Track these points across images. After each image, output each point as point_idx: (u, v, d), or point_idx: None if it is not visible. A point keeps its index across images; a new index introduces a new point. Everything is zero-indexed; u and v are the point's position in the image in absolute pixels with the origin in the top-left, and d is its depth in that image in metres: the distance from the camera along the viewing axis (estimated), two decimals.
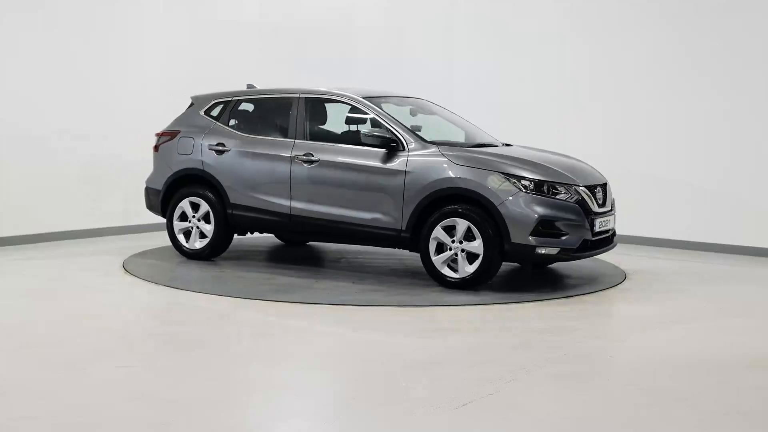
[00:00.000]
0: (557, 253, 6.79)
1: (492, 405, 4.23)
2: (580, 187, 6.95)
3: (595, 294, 7.06)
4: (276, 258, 8.53)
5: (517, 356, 5.14)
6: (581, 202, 6.90)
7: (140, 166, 9.96)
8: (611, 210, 7.36)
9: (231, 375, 4.69)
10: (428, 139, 7.20)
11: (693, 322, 6.24)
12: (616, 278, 7.69)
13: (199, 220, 8.00)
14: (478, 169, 6.81)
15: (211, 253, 7.96)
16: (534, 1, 10.51)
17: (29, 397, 4.23)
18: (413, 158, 7.03)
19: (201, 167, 7.96)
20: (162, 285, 6.99)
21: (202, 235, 8.00)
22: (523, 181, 6.76)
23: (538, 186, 6.78)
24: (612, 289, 7.27)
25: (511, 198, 6.71)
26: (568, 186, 6.89)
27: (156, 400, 4.24)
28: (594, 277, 7.76)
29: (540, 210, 6.71)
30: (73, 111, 9.33)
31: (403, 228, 7.01)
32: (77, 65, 9.37)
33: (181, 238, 8.13)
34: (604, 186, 7.35)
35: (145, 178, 8.59)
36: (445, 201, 6.90)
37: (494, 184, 6.76)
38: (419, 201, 6.92)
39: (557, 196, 6.80)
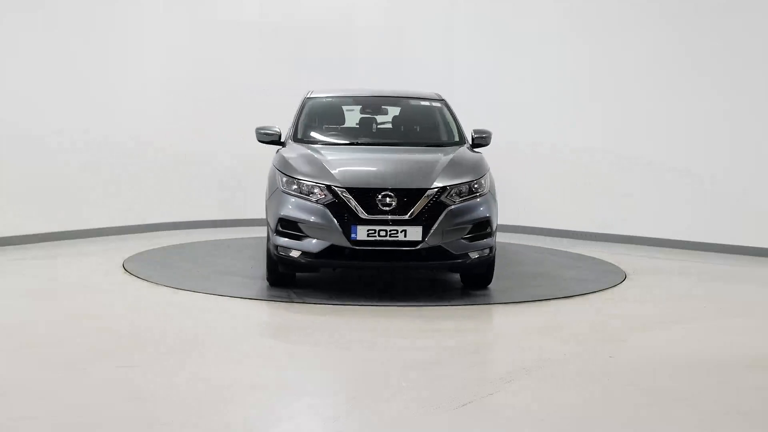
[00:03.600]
0: (299, 256, 6.47)
1: (492, 405, 4.23)
2: (341, 189, 6.41)
3: (595, 294, 7.05)
4: None
5: (517, 356, 5.14)
6: (333, 205, 6.40)
7: (140, 166, 9.98)
8: (413, 219, 6.35)
9: (231, 375, 4.69)
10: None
11: (693, 322, 6.24)
12: (616, 278, 7.69)
13: None
14: None
15: None
16: (534, 1, 10.51)
17: (29, 397, 4.23)
18: None
19: None
20: (162, 285, 6.98)
21: None
22: (283, 178, 6.67)
23: (289, 184, 6.61)
24: (612, 289, 7.26)
25: (273, 193, 6.73)
26: (323, 186, 6.45)
27: (156, 400, 4.24)
28: (594, 277, 7.76)
29: (280, 209, 6.54)
30: (73, 111, 9.32)
31: None
32: (77, 65, 9.36)
33: None
34: (409, 192, 6.42)
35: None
36: None
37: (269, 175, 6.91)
38: None
39: (309, 196, 6.49)
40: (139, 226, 9.97)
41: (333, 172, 6.55)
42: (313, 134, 7.58)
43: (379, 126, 8.05)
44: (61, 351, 5.06)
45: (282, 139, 7.40)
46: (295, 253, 6.49)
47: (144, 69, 10.02)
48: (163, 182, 10.23)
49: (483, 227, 6.59)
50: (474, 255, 6.56)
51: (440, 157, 6.92)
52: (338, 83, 9.93)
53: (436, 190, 6.45)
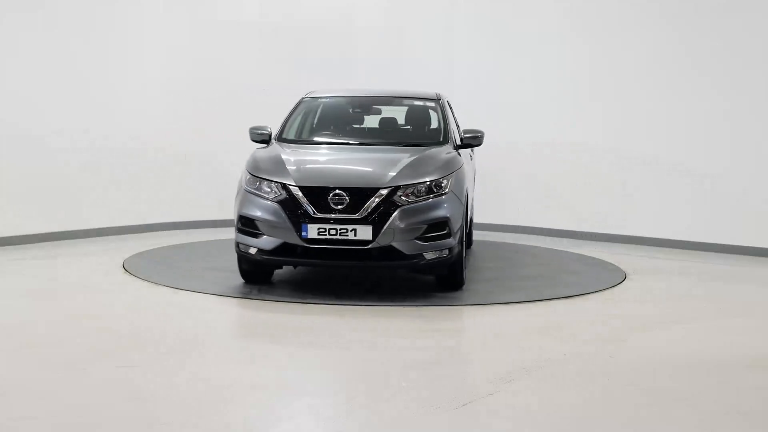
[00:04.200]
0: (255, 253, 6.57)
1: (492, 405, 4.23)
2: (294, 187, 6.45)
3: (595, 294, 7.05)
4: None
5: (517, 356, 5.14)
6: (286, 203, 6.45)
7: (140, 166, 9.98)
8: (363, 218, 6.32)
9: (231, 375, 4.69)
10: None
11: (693, 322, 6.24)
12: (616, 278, 7.69)
13: None
14: None
15: None
16: (534, 1, 10.51)
17: (29, 397, 4.23)
18: None
19: None
20: (162, 285, 6.98)
21: None
22: (247, 177, 6.77)
23: (251, 182, 6.71)
24: (612, 289, 7.26)
25: (238, 191, 6.82)
26: (279, 185, 6.51)
27: (156, 400, 4.24)
28: (594, 277, 7.76)
29: (241, 207, 6.66)
30: (73, 111, 9.32)
31: None
32: (77, 65, 9.36)
33: None
34: (360, 191, 6.39)
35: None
36: None
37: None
38: None
39: (267, 194, 6.55)
40: (139, 226, 9.97)
41: (289, 170, 6.60)
42: (298, 134, 7.69)
43: (364, 126, 8.07)
44: (61, 351, 5.06)
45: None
46: (252, 250, 6.58)
47: (144, 69, 10.02)
48: (163, 182, 10.23)
49: (440, 228, 6.46)
50: (430, 256, 6.44)
51: (404, 156, 6.86)
52: (338, 83, 9.93)
53: (388, 189, 6.40)
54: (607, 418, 4.13)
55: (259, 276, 6.98)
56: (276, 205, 6.45)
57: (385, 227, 6.31)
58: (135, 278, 7.27)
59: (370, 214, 6.33)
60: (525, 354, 5.20)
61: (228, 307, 6.33)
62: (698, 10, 9.37)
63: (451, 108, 8.62)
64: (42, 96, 9.06)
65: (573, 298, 6.88)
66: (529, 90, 10.43)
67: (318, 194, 6.40)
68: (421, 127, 7.83)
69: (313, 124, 7.93)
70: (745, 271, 8.37)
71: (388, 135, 7.77)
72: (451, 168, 6.81)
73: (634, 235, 9.85)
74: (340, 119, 8.09)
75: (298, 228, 6.34)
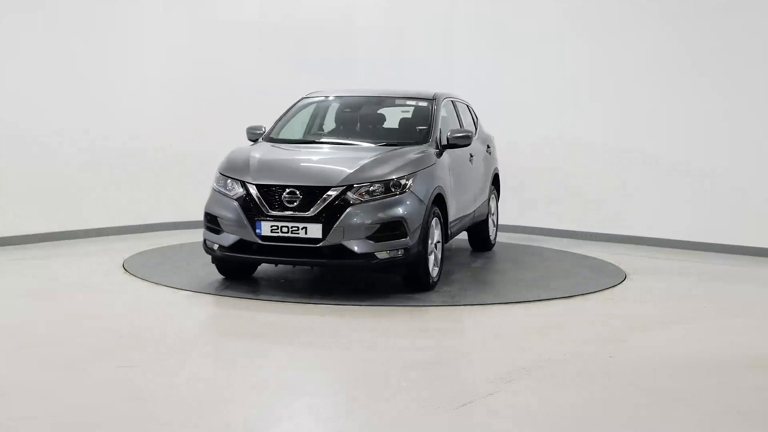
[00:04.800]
0: (217, 249, 6.73)
1: (492, 405, 4.23)
2: (252, 185, 6.55)
3: (595, 294, 7.05)
4: None
5: (517, 356, 5.14)
6: (243, 199, 6.54)
7: (140, 166, 9.98)
8: (314, 217, 6.36)
9: (230, 375, 4.69)
10: None
11: (693, 322, 6.24)
12: (616, 278, 7.69)
13: None
14: None
15: None
16: (534, 1, 10.51)
17: (29, 397, 4.23)
18: None
19: None
20: (162, 285, 6.98)
21: None
22: (217, 175, 6.96)
23: (218, 180, 6.88)
24: (612, 289, 7.26)
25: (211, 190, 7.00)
26: (239, 182, 6.64)
27: (156, 400, 4.25)
28: (594, 277, 7.76)
29: (207, 205, 6.87)
30: (73, 111, 9.32)
31: None
32: (77, 65, 9.36)
33: None
34: (313, 189, 6.43)
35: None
36: None
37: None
38: None
39: (229, 192, 6.68)
40: (139, 226, 9.97)
41: (250, 168, 6.71)
42: (284, 134, 7.79)
43: (350, 126, 8.08)
44: (61, 351, 5.06)
45: None
46: (215, 247, 6.74)
47: (144, 69, 10.02)
48: (163, 182, 10.23)
49: (395, 227, 6.42)
50: (382, 255, 6.40)
51: (366, 155, 6.87)
52: (338, 83, 9.92)
53: (341, 188, 6.40)
54: (607, 418, 4.13)
55: (235, 272, 7.14)
56: (235, 203, 6.56)
57: (335, 226, 6.33)
58: (135, 278, 7.27)
59: (321, 212, 6.36)
60: (525, 354, 5.20)
61: (228, 307, 6.33)
62: (698, 10, 9.37)
63: (470, 109, 8.85)
64: (42, 96, 9.06)
65: (573, 298, 6.88)
66: (529, 90, 10.42)
67: (272, 192, 6.48)
68: (411, 127, 7.79)
69: (302, 123, 8.04)
70: (745, 271, 8.37)
71: (372, 135, 7.77)
72: (415, 167, 6.73)
73: (634, 235, 9.85)
74: (329, 119, 8.18)
75: (254, 225, 6.44)
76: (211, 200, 6.85)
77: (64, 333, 5.51)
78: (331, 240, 6.34)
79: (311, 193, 6.41)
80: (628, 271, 8.04)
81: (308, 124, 8.08)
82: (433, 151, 7.18)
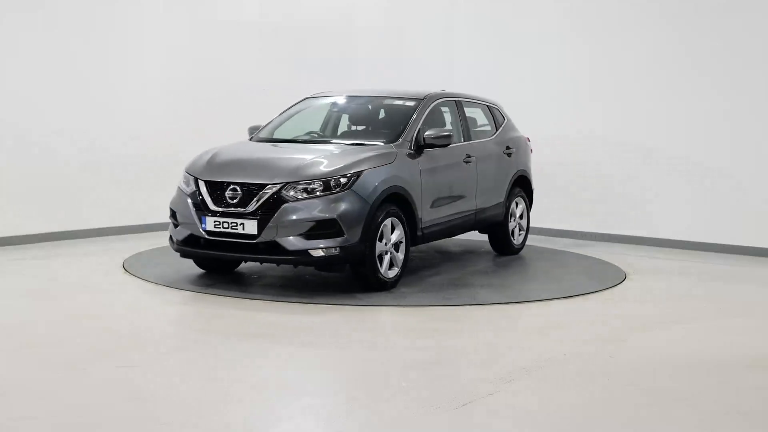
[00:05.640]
0: (174, 242, 6.99)
1: (492, 405, 4.23)
2: (201, 181, 6.75)
3: (595, 294, 7.05)
4: None
5: (517, 356, 5.14)
6: (194, 195, 6.74)
7: (140, 166, 9.98)
8: (251, 213, 6.46)
9: (230, 375, 4.69)
10: None
11: (693, 322, 6.24)
12: (616, 278, 7.69)
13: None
14: None
15: None
16: (534, 1, 10.51)
17: (29, 397, 4.23)
18: None
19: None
20: (162, 285, 6.98)
21: None
22: (183, 173, 7.11)
23: (183, 177, 7.07)
24: (612, 289, 7.26)
25: None
26: (193, 179, 6.86)
27: (156, 400, 4.25)
28: (594, 277, 7.76)
29: (171, 200, 7.11)
30: (73, 111, 9.32)
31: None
32: (77, 65, 9.36)
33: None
34: (252, 187, 6.53)
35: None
36: None
37: None
38: None
39: (186, 187, 6.92)
40: (139, 226, 9.97)
41: (204, 165, 6.93)
42: (270, 133, 7.91)
43: (330, 126, 8.16)
44: (61, 351, 5.06)
45: None
46: (174, 240, 7.00)
47: (144, 69, 10.01)
48: (163, 182, 10.19)
49: (329, 226, 6.43)
50: (317, 253, 6.43)
51: (315, 154, 6.94)
52: (338, 83, 9.93)
53: (278, 185, 6.48)
54: (607, 418, 4.13)
55: (215, 268, 7.39)
56: (188, 199, 6.79)
57: (269, 223, 6.43)
58: (135, 278, 7.27)
59: (258, 209, 6.48)
60: (525, 354, 5.20)
61: (228, 307, 6.33)
62: (698, 10, 9.37)
63: (491, 110, 8.85)
64: (42, 96, 9.06)
65: (573, 298, 6.88)
66: (529, 90, 10.42)
67: (217, 188, 6.67)
68: (384, 127, 7.75)
69: (295, 123, 8.10)
70: (745, 271, 8.37)
71: (350, 134, 7.88)
72: (362, 166, 6.70)
73: (634, 235, 9.85)
74: (315, 119, 8.23)
75: (201, 221, 6.66)
76: (174, 196, 7.11)
77: (64, 333, 5.51)
78: (266, 236, 6.45)
79: (250, 190, 6.55)
80: (628, 271, 8.04)
81: (294, 123, 8.16)
82: (399, 150, 7.11)
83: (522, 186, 9.00)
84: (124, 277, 7.33)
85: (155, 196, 10.14)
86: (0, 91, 8.75)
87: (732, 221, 9.23)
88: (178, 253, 7.11)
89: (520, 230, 8.98)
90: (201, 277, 7.30)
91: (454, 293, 6.86)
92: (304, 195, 6.48)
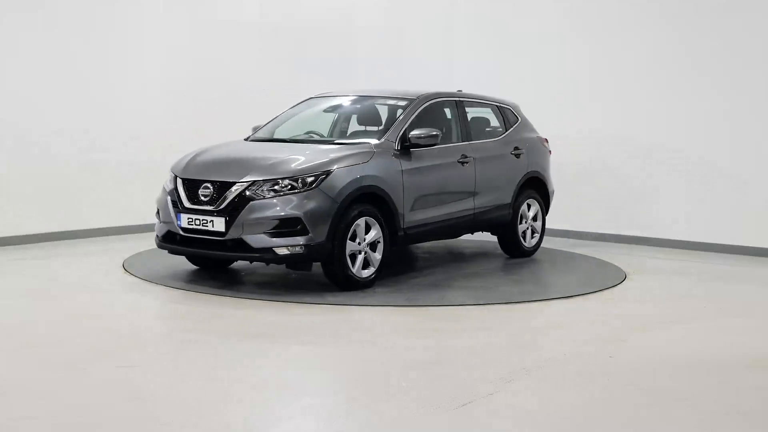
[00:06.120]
0: (157, 238, 7.19)
1: (492, 405, 4.23)
2: (179, 179, 6.98)
3: (595, 294, 7.05)
4: None
5: (517, 356, 5.14)
6: (173, 193, 6.97)
7: (140, 166, 9.97)
8: (220, 211, 6.59)
9: (230, 375, 4.69)
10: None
11: (693, 322, 6.24)
12: (616, 278, 7.69)
13: None
14: None
15: None
16: (534, 1, 10.51)
17: (29, 397, 4.23)
18: None
19: None
20: (162, 285, 6.99)
21: None
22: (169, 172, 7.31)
23: (168, 176, 7.27)
24: (612, 289, 7.26)
25: None
26: (173, 177, 7.09)
27: (156, 400, 4.25)
28: (594, 277, 7.76)
29: (157, 198, 7.31)
30: (73, 111, 9.32)
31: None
32: (77, 65, 9.36)
33: None
34: (222, 185, 6.66)
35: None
36: None
37: None
38: None
39: (167, 185, 7.16)
40: (139, 226, 9.95)
41: (185, 164, 7.15)
42: (265, 133, 8.01)
43: (331, 125, 8.24)
44: (61, 351, 5.06)
45: None
46: (157, 236, 7.22)
47: (144, 69, 10.01)
48: (163, 182, 10.21)
49: (294, 224, 6.49)
50: (282, 251, 6.52)
51: (292, 153, 7.00)
52: (338, 83, 9.92)
53: (246, 183, 6.59)
54: (607, 418, 4.13)
55: (206, 264, 7.54)
56: (168, 197, 7.01)
57: (236, 220, 6.54)
58: (135, 278, 7.27)
59: (226, 207, 6.60)
60: (525, 354, 5.20)
61: (228, 306, 6.33)
62: (698, 10, 9.37)
63: (501, 111, 8.78)
64: (42, 96, 9.06)
65: (573, 298, 6.88)
66: (529, 90, 10.42)
67: (192, 186, 6.85)
68: (384, 126, 7.72)
69: (292, 123, 8.14)
70: (745, 271, 8.37)
71: (339, 134, 7.97)
72: (330, 166, 6.72)
73: (634, 235, 9.85)
74: (315, 119, 8.26)
75: (176, 217, 6.86)
76: (159, 194, 7.30)
77: (64, 333, 5.52)
78: (233, 234, 6.56)
79: (221, 188, 6.67)
80: (628, 271, 8.04)
81: (286, 124, 8.21)
82: (380, 150, 7.10)
83: (536, 187, 8.80)
84: (124, 277, 7.33)
85: (155, 196, 10.13)
86: (0, 91, 8.75)
87: (732, 221, 9.23)
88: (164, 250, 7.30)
89: (534, 233, 8.77)
90: (201, 277, 7.30)
91: (454, 293, 6.86)
92: (271, 193, 6.56)
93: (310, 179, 6.60)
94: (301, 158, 6.83)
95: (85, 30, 9.42)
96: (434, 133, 7.33)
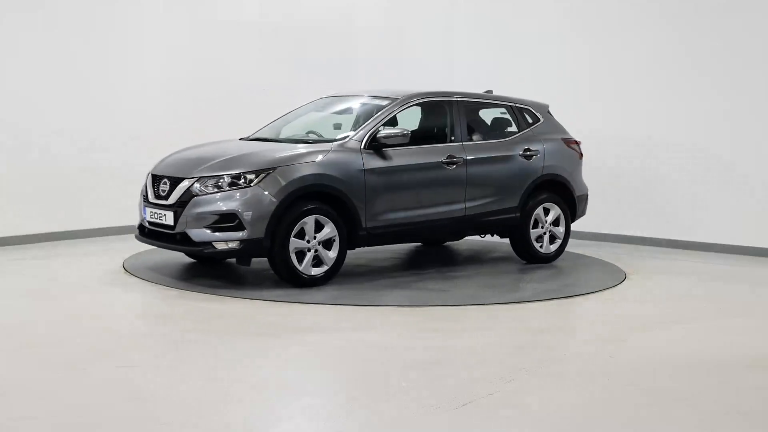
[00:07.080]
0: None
1: (492, 405, 4.23)
2: (150, 175, 7.33)
3: (595, 294, 7.06)
4: None
5: (517, 356, 5.14)
6: (144, 187, 7.39)
7: (140, 166, 9.96)
8: (170, 206, 6.88)
9: (230, 375, 4.69)
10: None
11: (693, 322, 6.24)
12: (616, 278, 7.69)
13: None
14: None
15: None
16: (534, 1, 10.51)
17: (29, 397, 4.23)
18: None
19: None
20: (162, 285, 6.99)
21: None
22: None
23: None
24: (612, 289, 7.27)
25: None
26: (150, 174, 7.37)
27: (156, 400, 4.25)
28: (594, 277, 7.76)
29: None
30: (73, 111, 9.32)
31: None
32: (77, 65, 9.36)
33: None
34: (175, 181, 6.91)
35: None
36: None
37: None
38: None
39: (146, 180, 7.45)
40: None
41: (160, 161, 7.49)
42: (266, 133, 8.12)
43: (308, 125, 8.25)
44: (61, 351, 5.06)
45: None
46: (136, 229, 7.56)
47: (144, 69, 10.01)
48: None
49: (231, 219, 6.67)
50: (220, 246, 6.72)
51: (247, 151, 7.15)
52: (338, 83, 9.93)
53: (193, 180, 6.84)
54: (607, 418, 4.14)
55: (202, 259, 7.79)
56: (143, 190, 7.43)
57: (182, 215, 6.79)
58: (135, 278, 7.27)
59: (176, 202, 6.88)
60: (525, 354, 5.20)
61: (227, 306, 6.33)
62: (698, 10, 9.37)
63: (515, 111, 8.62)
64: (42, 96, 9.06)
65: (573, 298, 6.88)
66: (529, 90, 10.39)
67: (156, 182, 7.18)
68: (344, 126, 7.86)
69: (291, 124, 8.22)
70: (745, 271, 8.37)
71: (320, 133, 7.96)
72: (275, 163, 6.80)
73: (635, 235, 9.85)
74: (314, 119, 8.28)
75: (143, 211, 7.29)
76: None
77: (64, 333, 5.52)
78: (179, 228, 6.83)
79: (173, 184, 6.97)
80: (628, 271, 8.04)
81: (280, 124, 8.27)
82: (341, 148, 7.10)
83: (556, 191, 8.42)
84: (124, 277, 7.34)
85: None
86: (0, 91, 8.75)
87: (732, 221, 9.23)
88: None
89: (555, 238, 8.38)
90: (201, 277, 7.31)
91: (453, 293, 6.86)
92: (214, 189, 6.76)
93: (251, 176, 6.74)
94: (251, 157, 6.96)
95: (85, 30, 9.42)
96: (403, 132, 7.27)
